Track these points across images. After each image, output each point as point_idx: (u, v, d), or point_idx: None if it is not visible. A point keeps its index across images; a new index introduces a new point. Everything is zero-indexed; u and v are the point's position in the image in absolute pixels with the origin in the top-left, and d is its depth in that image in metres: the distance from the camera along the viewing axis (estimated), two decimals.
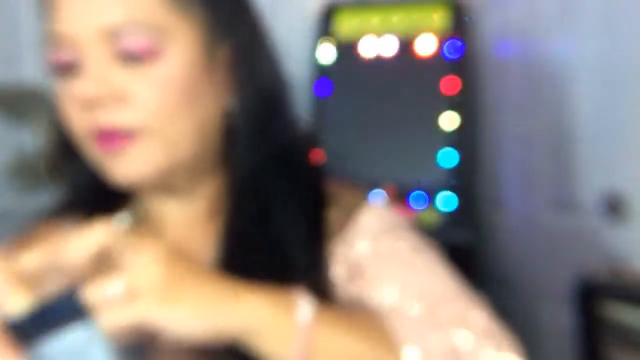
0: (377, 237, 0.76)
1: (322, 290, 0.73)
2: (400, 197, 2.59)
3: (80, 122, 0.71)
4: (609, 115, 1.94)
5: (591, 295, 1.62)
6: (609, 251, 1.87)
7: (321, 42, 2.70)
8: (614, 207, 1.85)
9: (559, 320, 2.08)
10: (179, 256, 0.61)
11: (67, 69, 0.71)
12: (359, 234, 0.77)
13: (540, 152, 2.41)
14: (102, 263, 0.59)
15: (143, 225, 0.80)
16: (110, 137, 0.70)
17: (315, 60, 2.68)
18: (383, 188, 2.39)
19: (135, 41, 0.69)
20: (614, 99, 1.91)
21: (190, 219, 0.79)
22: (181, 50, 0.70)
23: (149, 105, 0.69)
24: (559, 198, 2.25)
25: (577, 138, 2.12)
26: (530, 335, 2.42)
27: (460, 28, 2.73)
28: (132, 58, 0.69)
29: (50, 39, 0.71)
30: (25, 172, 2.30)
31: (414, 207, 2.59)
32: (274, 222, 0.75)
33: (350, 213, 0.78)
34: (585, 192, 2.05)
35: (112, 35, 0.69)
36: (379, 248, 0.76)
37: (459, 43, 2.71)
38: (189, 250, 0.77)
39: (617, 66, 1.89)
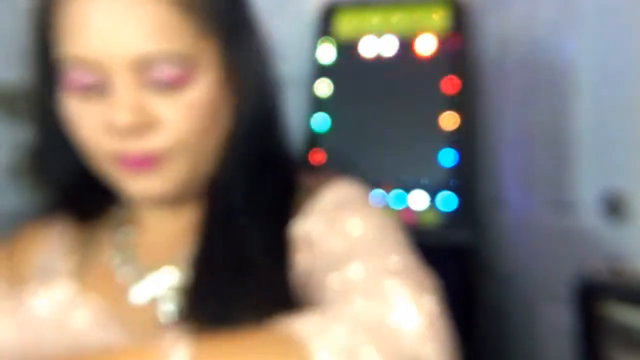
0: (329, 211, 0.76)
1: (285, 288, 0.74)
2: (400, 197, 2.58)
3: (105, 146, 0.71)
4: (608, 115, 1.94)
5: (591, 295, 1.62)
6: (609, 251, 1.87)
7: (321, 42, 2.70)
8: (614, 207, 1.85)
9: (559, 320, 2.08)
10: None
11: (88, 91, 0.71)
12: (314, 210, 0.77)
13: (540, 152, 2.41)
14: None
15: (128, 225, 0.81)
16: (138, 161, 0.71)
17: (315, 60, 2.68)
18: (383, 188, 2.39)
19: (166, 71, 0.69)
20: (614, 99, 1.91)
21: (177, 228, 0.81)
22: (206, 76, 0.72)
23: (179, 130, 0.71)
24: (559, 198, 2.25)
25: (577, 138, 2.12)
26: (530, 335, 2.43)
27: (460, 28, 2.73)
28: (162, 86, 0.70)
29: (74, 62, 0.71)
30: (25, 172, 2.30)
31: (414, 207, 2.59)
32: (240, 224, 0.76)
33: (311, 193, 0.78)
34: (585, 192, 2.05)
35: (144, 65, 0.69)
36: (329, 224, 0.75)
37: (459, 43, 2.71)
38: (168, 251, 0.78)
39: (618, 66, 1.89)
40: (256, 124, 0.77)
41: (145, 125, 0.69)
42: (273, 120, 0.81)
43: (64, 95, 0.73)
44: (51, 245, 0.82)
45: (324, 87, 2.63)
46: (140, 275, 0.78)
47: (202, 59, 0.72)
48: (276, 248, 0.75)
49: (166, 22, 0.69)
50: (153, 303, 0.77)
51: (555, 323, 2.19)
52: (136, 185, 0.72)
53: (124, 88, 0.69)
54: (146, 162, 0.71)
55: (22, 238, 0.84)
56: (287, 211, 0.77)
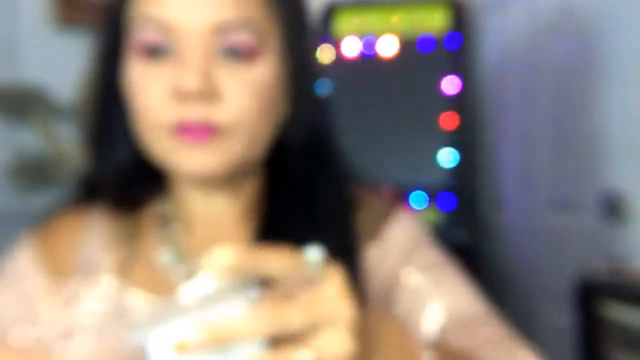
0: (407, 252, 0.79)
1: (357, 288, 0.75)
2: (400, 197, 2.58)
3: (167, 112, 0.71)
4: (609, 115, 1.94)
5: (591, 295, 1.63)
6: (609, 251, 1.87)
7: (321, 42, 2.70)
8: (614, 207, 1.85)
9: (559, 319, 2.08)
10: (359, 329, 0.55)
11: (156, 54, 0.72)
12: (390, 246, 0.79)
13: (540, 152, 2.41)
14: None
15: (174, 221, 0.81)
16: (197, 130, 0.71)
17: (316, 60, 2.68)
18: (383, 188, 2.39)
19: (242, 38, 0.71)
20: (614, 100, 1.91)
21: (226, 218, 0.81)
22: (272, 55, 0.73)
23: (240, 106, 0.71)
24: (559, 198, 2.25)
25: (577, 138, 2.13)
26: (530, 334, 2.42)
27: (460, 28, 2.74)
28: (234, 55, 0.71)
29: (147, 21, 0.71)
30: (25, 172, 2.30)
31: (414, 207, 2.59)
32: (313, 226, 0.77)
33: (380, 220, 0.80)
34: (585, 192, 2.05)
35: (221, 30, 0.70)
36: (410, 263, 0.78)
37: (458, 43, 2.71)
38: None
39: (617, 67, 1.89)
40: (311, 115, 0.79)
41: (211, 93, 0.70)
42: (325, 116, 0.83)
43: (130, 60, 0.73)
44: (92, 237, 0.81)
45: (324, 87, 2.63)
46: (191, 272, 0.78)
47: (271, 37, 0.73)
48: (347, 256, 0.76)
49: None
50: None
51: (555, 322, 2.19)
52: (190, 159, 0.72)
53: (196, 53, 0.70)
54: (205, 133, 0.71)
55: (60, 227, 0.83)
56: (351, 224, 0.79)
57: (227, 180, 0.77)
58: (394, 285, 0.77)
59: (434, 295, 0.76)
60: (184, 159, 0.72)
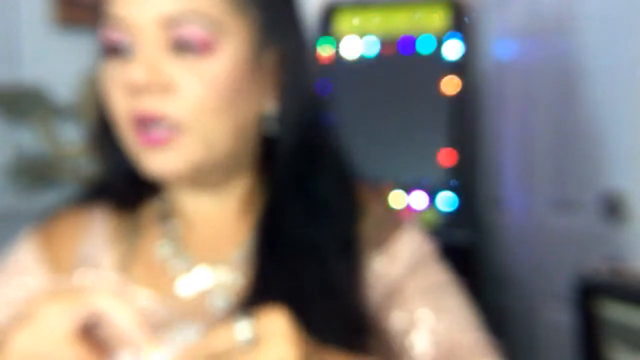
0: (413, 266, 0.79)
1: (356, 295, 0.75)
2: (400, 196, 2.59)
3: (124, 106, 0.72)
4: (608, 115, 1.94)
5: (591, 295, 1.62)
6: (608, 251, 1.87)
7: (321, 42, 2.71)
8: (614, 207, 1.85)
9: (559, 319, 2.08)
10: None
11: (118, 52, 0.72)
12: (397, 258, 0.79)
13: (540, 152, 2.41)
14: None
15: (172, 217, 0.81)
16: (152, 124, 0.71)
17: (315, 59, 2.68)
18: (383, 188, 2.39)
19: (192, 31, 0.70)
20: (614, 99, 1.91)
21: (221, 216, 0.81)
22: (233, 48, 0.72)
23: (195, 99, 0.71)
24: (559, 198, 2.25)
25: (577, 138, 2.13)
26: (530, 334, 2.43)
27: (460, 28, 2.74)
28: (185, 48, 0.70)
29: (106, 20, 0.72)
30: (25, 172, 2.31)
31: (414, 207, 2.59)
32: (313, 225, 0.77)
33: (387, 230, 0.80)
34: (585, 192, 2.05)
35: (171, 23, 0.70)
36: (414, 279, 0.78)
37: (459, 43, 2.71)
38: (217, 247, 0.79)
39: (618, 67, 1.89)
40: (303, 112, 0.78)
41: (161, 86, 0.70)
42: (320, 115, 0.82)
43: (104, 63, 0.74)
44: (93, 234, 0.82)
45: (324, 87, 2.64)
46: (189, 267, 0.78)
47: (230, 30, 0.72)
48: (349, 261, 0.77)
49: None
50: (201, 297, 0.77)
51: (554, 322, 2.19)
52: (155, 161, 0.72)
53: (147, 48, 0.71)
54: (159, 129, 0.70)
55: (61, 225, 0.83)
56: (354, 228, 0.78)
57: (211, 179, 0.77)
58: (394, 295, 0.77)
59: (429, 320, 0.76)
60: (148, 161, 0.72)
